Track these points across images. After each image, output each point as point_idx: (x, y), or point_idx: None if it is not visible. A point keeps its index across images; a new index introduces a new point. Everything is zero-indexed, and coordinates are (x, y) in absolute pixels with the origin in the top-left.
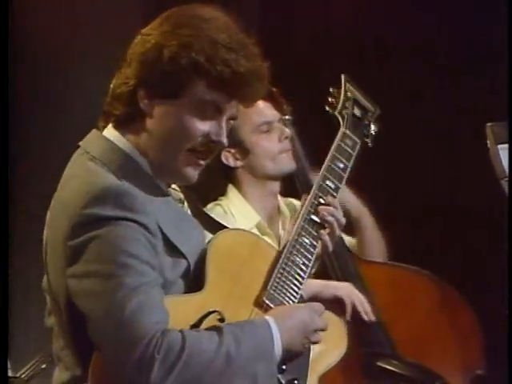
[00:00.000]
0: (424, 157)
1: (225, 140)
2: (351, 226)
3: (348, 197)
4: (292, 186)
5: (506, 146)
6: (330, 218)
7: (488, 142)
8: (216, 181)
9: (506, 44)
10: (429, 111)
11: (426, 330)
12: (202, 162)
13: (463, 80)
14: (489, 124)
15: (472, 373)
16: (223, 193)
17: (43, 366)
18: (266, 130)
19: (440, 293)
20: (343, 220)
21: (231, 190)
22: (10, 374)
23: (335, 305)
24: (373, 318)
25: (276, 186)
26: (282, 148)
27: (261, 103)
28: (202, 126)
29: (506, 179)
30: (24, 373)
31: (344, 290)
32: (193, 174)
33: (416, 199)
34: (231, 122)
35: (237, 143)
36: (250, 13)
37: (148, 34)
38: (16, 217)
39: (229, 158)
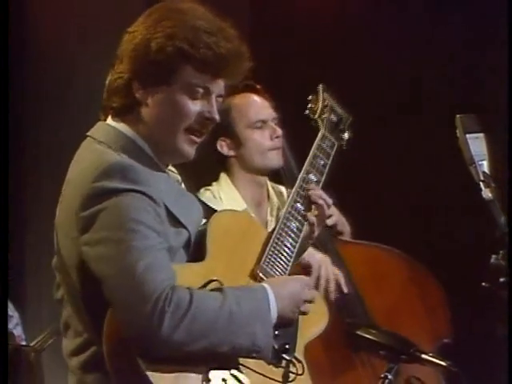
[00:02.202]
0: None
1: (217, 116)
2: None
3: (335, 213)
4: (278, 178)
5: (474, 135)
6: (320, 201)
7: (457, 131)
8: (210, 167)
9: (505, 44)
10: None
11: (398, 302)
12: (197, 140)
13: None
14: (458, 115)
15: (440, 341)
16: (216, 178)
17: (54, 338)
18: (260, 127)
19: (410, 269)
20: (330, 201)
21: (223, 177)
22: (23, 343)
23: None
24: (345, 290)
25: (263, 178)
26: (273, 145)
27: (260, 101)
28: (194, 106)
29: (474, 165)
30: (37, 343)
31: (317, 259)
32: (191, 150)
33: (391, 185)
34: (219, 99)
35: (232, 135)
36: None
37: (133, 31)
38: (30, 201)
39: (223, 147)
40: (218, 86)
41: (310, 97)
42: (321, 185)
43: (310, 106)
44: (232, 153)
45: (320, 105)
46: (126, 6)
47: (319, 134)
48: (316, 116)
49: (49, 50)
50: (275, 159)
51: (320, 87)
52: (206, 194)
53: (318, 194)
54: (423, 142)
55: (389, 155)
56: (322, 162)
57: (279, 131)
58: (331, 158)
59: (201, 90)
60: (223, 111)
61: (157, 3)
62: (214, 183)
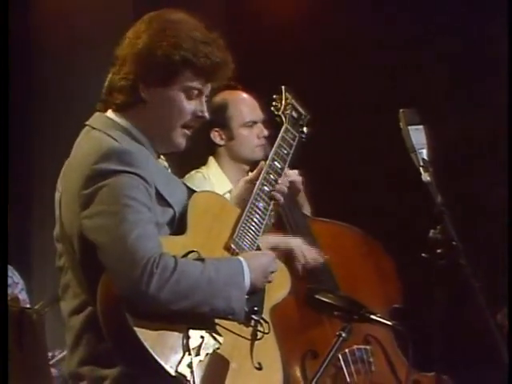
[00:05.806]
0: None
1: (207, 114)
2: None
3: (303, 199)
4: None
5: (415, 127)
6: (280, 187)
7: (401, 123)
8: (200, 153)
9: (506, 45)
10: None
11: (357, 272)
12: (189, 133)
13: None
14: (401, 110)
15: (391, 306)
16: (204, 163)
17: (55, 302)
18: (250, 126)
19: (366, 243)
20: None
21: (211, 162)
22: (28, 306)
23: (288, 254)
24: (321, 260)
25: (247, 166)
26: (259, 143)
27: (250, 101)
28: (190, 106)
29: (415, 153)
30: (40, 306)
31: (295, 243)
32: (182, 142)
33: (346, 171)
34: (206, 98)
35: (226, 129)
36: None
37: (136, 37)
38: (36, 181)
39: (216, 137)
40: (208, 89)
41: (275, 96)
42: (285, 170)
43: (274, 103)
44: (223, 143)
45: (283, 103)
46: (117, 9)
47: (283, 127)
48: (280, 112)
49: (50, 46)
50: (259, 153)
51: (283, 88)
52: (197, 176)
53: (283, 182)
54: (373, 134)
55: (344, 145)
56: (286, 152)
57: (265, 132)
58: (293, 148)
59: (195, 92)
60: (219, 106)
61: (143, 8)
62: (204, 167)
